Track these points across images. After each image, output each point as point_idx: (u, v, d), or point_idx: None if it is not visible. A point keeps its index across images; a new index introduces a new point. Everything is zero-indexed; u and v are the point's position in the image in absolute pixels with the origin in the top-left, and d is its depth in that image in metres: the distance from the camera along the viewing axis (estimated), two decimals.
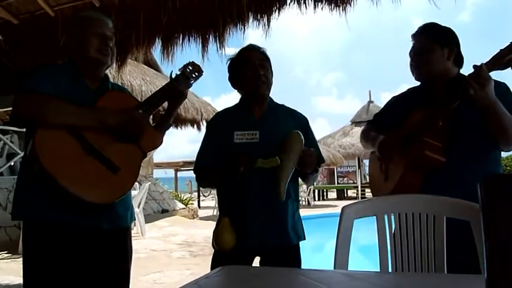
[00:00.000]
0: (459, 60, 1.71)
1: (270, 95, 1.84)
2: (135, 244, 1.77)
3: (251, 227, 1.66)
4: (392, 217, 1.38)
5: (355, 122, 19.35)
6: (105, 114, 1.56)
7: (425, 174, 1.62)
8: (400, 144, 1.69)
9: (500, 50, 1.48)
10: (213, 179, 1.81)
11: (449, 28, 1.73)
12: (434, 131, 1.59)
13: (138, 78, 7.64)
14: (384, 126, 1.83)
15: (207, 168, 1.78)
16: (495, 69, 1.48)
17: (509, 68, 1.48)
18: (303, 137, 1.63)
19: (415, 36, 1.75)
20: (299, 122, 1.84)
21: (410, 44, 1.78)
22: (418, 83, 1.81)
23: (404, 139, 1.68)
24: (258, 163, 1.59)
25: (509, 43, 1.46)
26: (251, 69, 1.75)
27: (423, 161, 1.60)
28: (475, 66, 1.47)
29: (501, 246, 0.60)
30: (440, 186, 1.51)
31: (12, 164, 6.41)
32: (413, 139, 1.63)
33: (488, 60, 1.49)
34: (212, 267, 1.62)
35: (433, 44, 1.67)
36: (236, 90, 1.86)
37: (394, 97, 1.96)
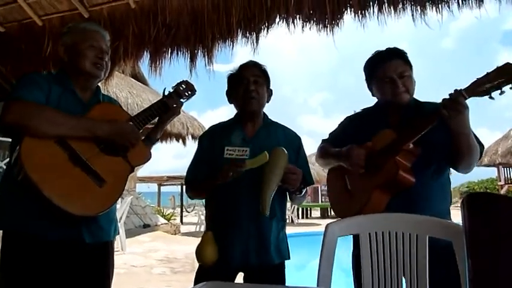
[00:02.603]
0: None
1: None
2: (115, 259, 1.72)
3: (233, 243, 1.65)
4: (376, 235, 1.39)
5: None
6: (95, 124, 1.53)
7: (394, 194, 1.61)
8: (368, 162, 1.66)
9: (478, 78, 1.45)
10: (202, 190, 1.80)
11: None
12: (404, 152, 1.59)
13: (124, 91, 7.59)
14: (340, 145, 1.77)
15: (197, 180, 1.78)
16: (473, 96, 1.46)
17: (487, 97, 1.44)
18: (286, 153, 1.61)
19: (391, 58, 1.71)
20: (291, 140, 1.84)
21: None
22: (368, 104, 1.87)
23: (372, 157, 1.66)
24: (247, 164, 1.57)
25: (485, 73, 1.44)
26: (244, 86, 1.76)
27: (396, 181, 1.58)
28: (455, 91, 1.46)
29: (483, 265, 0.60)
30: (406, 204, 1.52)
31: None
32: (384, 158, 1.61)
33: (466, 86, 1.47)
34: (195, 283, 1.60)
35: (410, 69, 1.70)
36: (233, 105, 1.86)
37: (348, 117, 1.96)
